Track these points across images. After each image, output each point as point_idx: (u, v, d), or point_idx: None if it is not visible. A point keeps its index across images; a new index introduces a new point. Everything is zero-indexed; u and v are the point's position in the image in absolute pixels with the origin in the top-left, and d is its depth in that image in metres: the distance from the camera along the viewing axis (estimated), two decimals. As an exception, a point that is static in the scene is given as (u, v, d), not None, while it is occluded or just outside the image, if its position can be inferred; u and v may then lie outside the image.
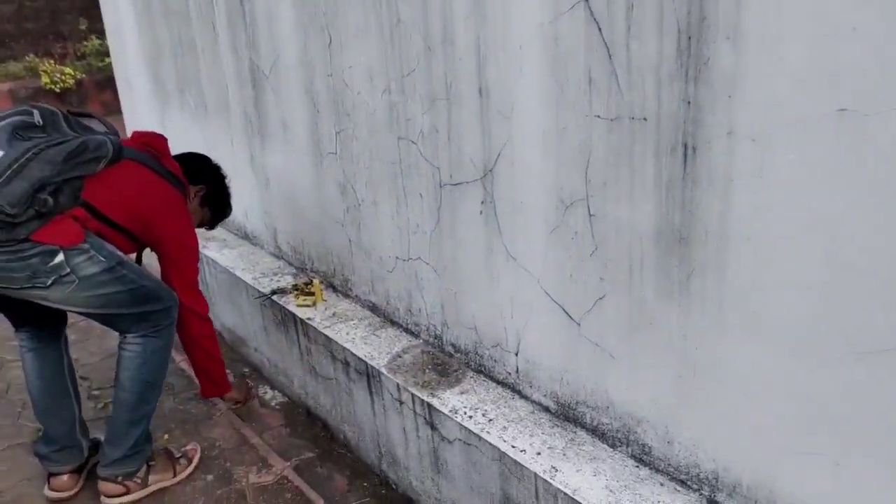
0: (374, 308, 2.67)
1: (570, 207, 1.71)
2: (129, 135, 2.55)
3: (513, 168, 1.84)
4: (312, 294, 2.82)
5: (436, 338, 2.37)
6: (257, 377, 3.23)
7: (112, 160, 2.16)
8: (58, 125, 2.12)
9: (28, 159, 1.95)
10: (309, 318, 2.66)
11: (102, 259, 2.13)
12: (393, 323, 2.57)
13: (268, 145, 3.08)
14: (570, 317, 1.80)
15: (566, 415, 1.92)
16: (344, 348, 2.45)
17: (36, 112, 2.08)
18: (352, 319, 2.64)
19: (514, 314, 2.00)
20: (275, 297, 2.88)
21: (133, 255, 2.39)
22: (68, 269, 2.07)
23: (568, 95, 1.63)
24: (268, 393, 3.11)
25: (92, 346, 3.59)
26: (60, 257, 2.05)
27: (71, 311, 2.23)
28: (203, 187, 2.60)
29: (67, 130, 2.12)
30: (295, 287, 2.93)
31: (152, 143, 2.41)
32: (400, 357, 2.34)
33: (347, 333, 2.53)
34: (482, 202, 1.98)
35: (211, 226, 2.75)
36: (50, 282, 2.06)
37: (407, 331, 2.51)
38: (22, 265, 2.01)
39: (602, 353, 1.75)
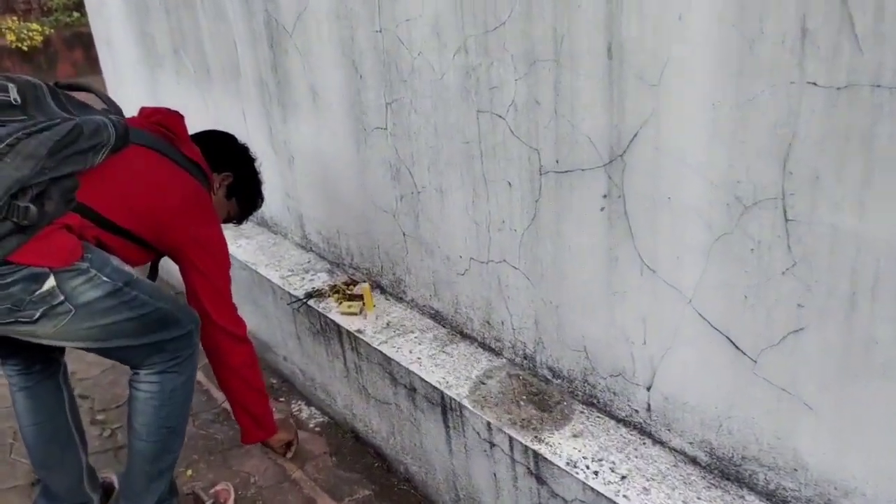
0: (436, 316, 2.24)
1: (750, 209, 1.28)
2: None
3: (657, 153, 1.40)
4: (358, 298, 2.38)
5: (525, 358, 1.94)
6: (288, 390, 2.81)
7: (115, 147, 1.69)
8: (41, 103, 1.63)
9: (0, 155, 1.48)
10: (359, 331, 2.23)
11: (106, 279, 1.69)
12: (464, 336, 2.15)
13: (291, 117, 2.60)
14: (741, 350, 1.38)
15: (725, 471, 1.51)
16: (409, 371, 2.03)
17: (11, 86, 1.59)
18: (411, 331, 2.21)
19: (647, 339, 1.57)
20: (311, 303, 2.44)
21: (141, 268, 1.93)
22: (62, 297, 1.62)
23: (761, 53, 1.18)
24: (303, 411, 2.70)
25: (90, 355, 3.16)
26: (51, 282, 1.60)
27: (66, 346, 1.79)
28: (229, 175, 2.13)
29: (55, 110, 1.63)
30: (334, 289, 2.49)
31: (166, 123, 1.95)
32: (483, 384, 1.92)
33: (411, 351, 2.10)
34: (605, 196, 1.54)
35: (239, 220, 2.29)
36: (38, 314, 1.61)
37: (484, 346, 2.08)
38: None
39: (792, 400, 1.33)
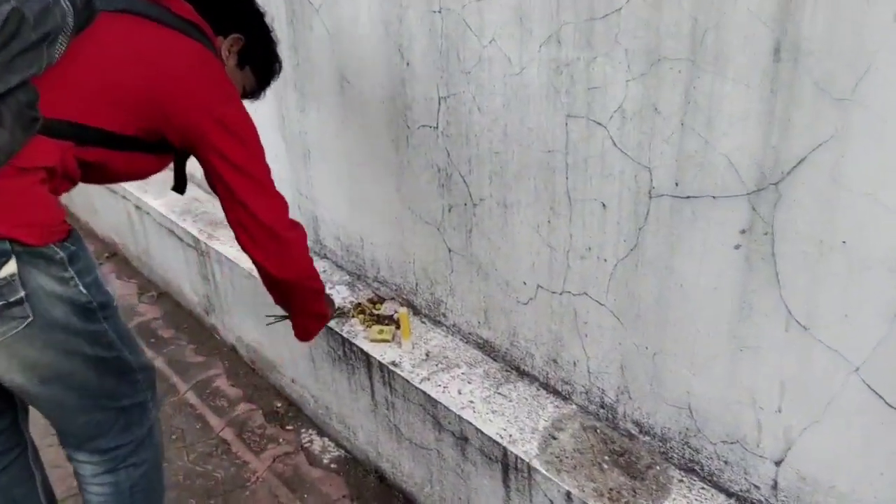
0: (485, 347, 1.94)
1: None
2: None
3: (835, 186, 1.12)
4: (388, 321, 2.08)
5: (603, 407, 1.66)
6: (296, 416, 2.50)
7: (77, 27, 1.27)
8: None
9: None
10: (394, 364, 1.93)
11: (83, 291, 1.35)
12: (521, 374, 1.86)
13: (311, 105, 2.26)
14: (928, 436, 1.11)
15: (882, 573, 1.24)
16: (460, 418, 1.73)
17: None
18: (457, 365, 1.91)
19: (783, 406, 1.30)
20: (332, 323, 2.12)
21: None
22: (21, 293, 1.26)
23: None
24: (315, 442, 2.39)
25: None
26: (11, 266, 1.24)
27: None
28: (239, 37, 1.65)
29: None
30: (358, 308, 2.17)
31: None
32: (554, 438, 1.63)
33: (460, 392, 1.80)
34: (743, 231, 1.25)
35: (255, 94, 1.80)
36: None
37: (547, 388, 1.80)
38: None
39: None
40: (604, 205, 1.49)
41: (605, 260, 1.53)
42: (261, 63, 1.74)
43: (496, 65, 1.60)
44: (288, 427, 2.46)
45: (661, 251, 1.41)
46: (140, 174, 1.54)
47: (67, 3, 1.24)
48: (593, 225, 1.53)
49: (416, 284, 2.12)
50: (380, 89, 1.96)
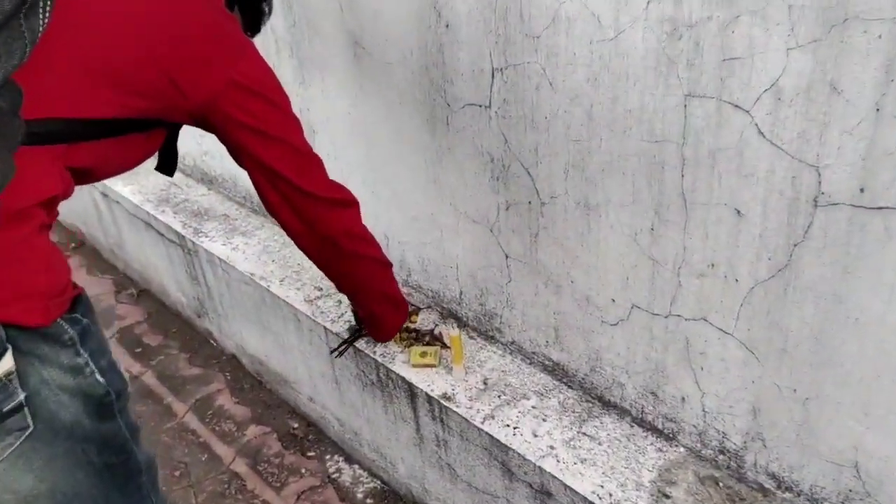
0: (556, 370, 1.62)
1: None
2: None
3: None
4: (428, 337, 1.74)
5: (723, 453, 1.35)
6: (318, 440, 2.18)
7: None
8: None
9: None
10: (446, 397, 1.60)
11: (98, 379, 1.03)
12: (607, 405, 1.54)
13: (315, 77, 1.87)
14: None
15: None
16: (540, 469, 1.42)
17: None
18: (525, 396, 1.58)
19: None
20: (361, 343, 1.78)
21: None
22: (20, 396, 0.94)
23: None
24: (343, 471, 2.08)
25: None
26: (6, 362, 0.92)
27: None
28: None
29: None
30: (393, 323, 1.82)
31: None
32: (666, 497, 1.33)
33: (535, 434, 1.48)
34: (969, 257, 0.91)
35: (252, 33, 1.45)
36: None
37: (643, 425, 1.48)
38: None
39: None
40: (738, 212, 1.14)
41: (737, 280, 1.19)
42: (249, 2, 1.40)
43: (579, 27, 1.22)
44: (310, 454, 2.14)
45: (826, 275, 1.07)
46: (131, 164, 1.22)
47: None
48: (720, 236, 1.18)
49: (461, 293, 1.77)
50: (408, 57, 1.57)
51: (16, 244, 0.94)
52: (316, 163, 1.37)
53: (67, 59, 1.00)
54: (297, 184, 1.31)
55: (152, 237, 2.62)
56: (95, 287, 3.05)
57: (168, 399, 2.38)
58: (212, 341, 2.62)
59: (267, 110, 1.23)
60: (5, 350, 0.91)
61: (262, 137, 1.24)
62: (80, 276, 3.14)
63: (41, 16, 0.84)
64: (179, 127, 1.26)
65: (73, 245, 3.42)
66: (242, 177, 2.42)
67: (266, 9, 1.42)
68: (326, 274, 1.53)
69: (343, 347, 1.78)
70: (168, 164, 1.30)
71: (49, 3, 0.85)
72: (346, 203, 1.43)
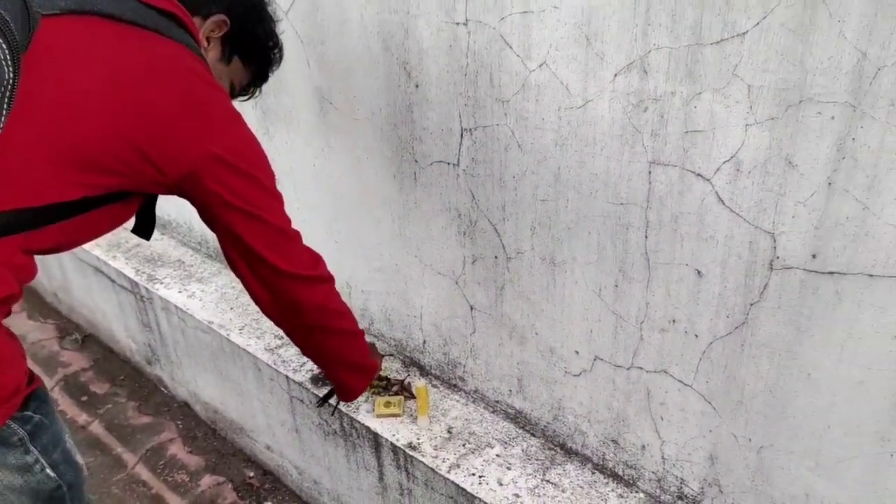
0: (519, 418, 1.65)
1: None
2: None
3: None
4: (394, 387, 1.74)
5: (682, 498, 1.40)
6: (274, 488, 2.13)
7: (17, 49, 0.85)
8: None
9: None
10: (411, 447, 1.60)
11: (50, 474, 1.00)
12: (569, 453, 1.57)
13: (278, 127, 1.88)
14: None
15: None
16: (509, 519, 1.43)
17: None
18: (489, 444, 1.60)
19: (951, 524, 1.05)
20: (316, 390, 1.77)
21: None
22: None
23: None
24: (302, 521, 2.03)
25: None
26: None
27: None
28: (223, 19, 1.24)
29: None
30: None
31: None
32: (630, 543, 1.36)
33: (500, 483, 1.50)
34: (912, 319, 0.99)
35: (248, 92, 1.42)
36: None
37: (604, 471, 1.52)
38: None
39: None
40: (699, 272, 1.20)
41: (697, 336, 1.25)
42: (255, 51, 1.33)
43: (547, 94, 1.27)
44: (266, 503, 2.09)
45: (781, 333, 1.14)
46: (104, 232, 1.15)
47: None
48: (681, 294, 1.24)
49: (424, 342, 1.79)
50: (377, 115, 1.59)
51: None
52: (294, 240, 1.28)
53: (25, 144, 0.92)
54: (272, 262, 1.22)
55: (102, 283, 2.55)
56: (37, 332, 2.94)
57: (117, 449, 2.30)
58: (163, 388, 2.55)
59: (248, 188, 1.15)
60: None
61: (241, 214, 1.16)
62: (20, 321, 3.02)
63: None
64: (154, 197, 1.21)
65: (12, 288, 3.29)
66: (197, 221, 2.39)
67: (275, 56, 1.37)
68: (290, 338, 1.43)
69: (328, 396, 1.74)
70: (145, 227, 1.25)
71: (7, 102, 0.82)
72: (321, 279, 1.33)
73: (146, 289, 2.28)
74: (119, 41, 1.00)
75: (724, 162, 1.10)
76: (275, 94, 1.84)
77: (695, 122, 1.11)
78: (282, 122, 1.86)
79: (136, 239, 2.58)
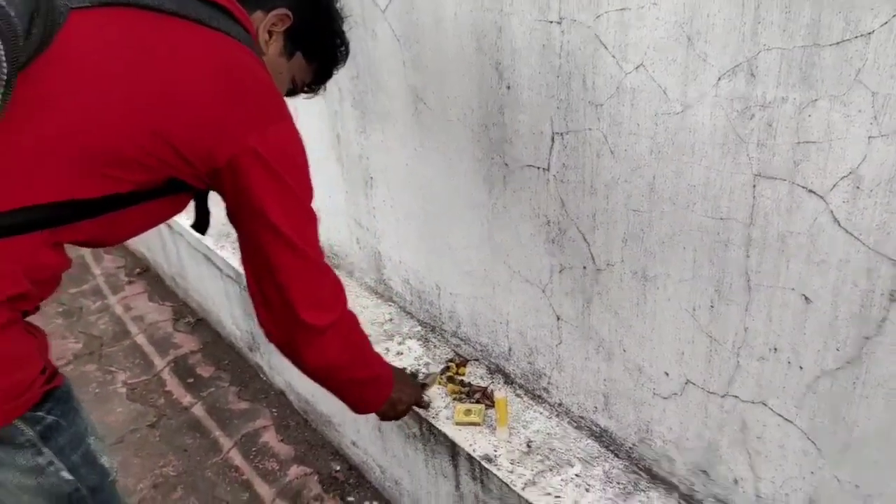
0: (603, 437, 1.54)
1: None
2: None
3: None
4: (478, 395, 1.68)
5: (778, 542, 1.25)
6: (358, 484, 2.12)
7: (30, 53, 0.83)
8: None
9: None
10: (488, 459, 1.53)
11: (66, 476, 0.97)
12: (654, 478, 1.45)
13: (375, 126, 1.85)
14: None
15: None
16: (585, 545, 1.33)
17: None
18: (569, 462, 1.51)
19: None
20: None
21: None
22: None
23: None
24: (383, 517, 2.01)
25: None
26: None
27: None
28: (285, 13, 1.17)
29: None
30: (448, 374, 1.77)
31: None
32: (716, 586, 1.23)
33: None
34: None
35: (315, 87, 1.33)
36: None
37: (689, 501, 1.39)
38: None
39: None
40: (806, 298, 1.06)
41: (801, 368, 1.11)
42: (319, 47, 1.25)
43: (643, 98, 1.16)
44: (350, 498, 2.09)
45: (901, 372, 0.99)
46: (155, 223, 1.12)
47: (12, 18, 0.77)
48: (785, 321, 1.10)
49: (510, 350, 1.71)
50: (469, 116, 1.53)
51: None
52: (326, 279, 1.17)
53: (53, 133, 0.88)
54: (280, 281, 1.10)
55: (211, 271, 2.63)
56: (155, 314, 3.08)
57: (215, 433, 2.35)
58: (262, 375, 2.60)
59: (283, 194, 1.05)
60: None
61: (271, 230, 1.06)
62: (141, 302, 3.17)
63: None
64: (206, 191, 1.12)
65: (137, 271, 3.46)
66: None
67: (340, 53, 1.30)
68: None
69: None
70: (201, 223, 1.19)
71: (8, 89, 0.78)
72: (334, 327, 1.20)
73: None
74: (153, 31, 0.95)
75: (842, 178, 0.96)
76: (373, 94, 1.81)
77: (808, 132, 0.98)
78: (378, 121, 1.83)
79: (243, 230, 2.64)
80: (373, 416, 1.85)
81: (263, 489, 2.12)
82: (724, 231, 1.13)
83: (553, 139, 1.36)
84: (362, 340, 1.34)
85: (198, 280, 2.85)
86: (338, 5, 1.27)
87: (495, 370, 1.79)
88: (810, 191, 1.00)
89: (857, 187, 0.95)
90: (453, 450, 1.62)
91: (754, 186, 1.07)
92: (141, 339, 2.88)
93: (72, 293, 3.23)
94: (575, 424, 1.61)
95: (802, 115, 0.97)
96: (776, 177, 1.03)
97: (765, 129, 1.02)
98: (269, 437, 2.32)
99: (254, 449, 2.27)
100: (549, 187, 1.41)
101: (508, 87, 1.41)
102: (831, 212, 0.99)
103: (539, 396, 1.69)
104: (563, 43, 1.26)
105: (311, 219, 1.15)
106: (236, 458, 2.24)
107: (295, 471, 2.18)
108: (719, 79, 1.05)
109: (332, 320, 1.20)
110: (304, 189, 1.11)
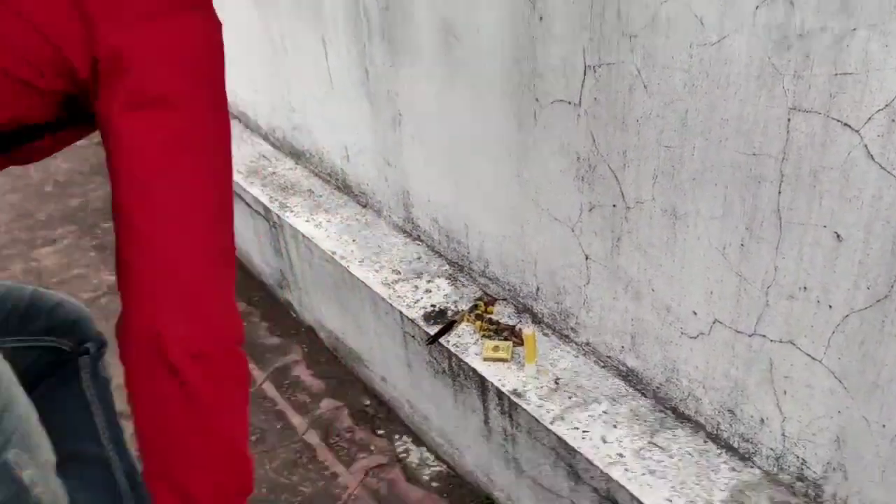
0: (630, 377, 1.57)
1: None
2: None
3: None
4: (505, 333, 1.72)
5: (802, 480, 1.29)
6: (387, 418, 2.20)
7: None
8: None
9: None
10: (516, 394, 1.58)
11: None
12: (680, 417, 1.49)
13: (405, 61, 1.85)
14: None
15: None
16: (607, 476, 1.38)
17: None
18: (597, 400, 1.55)
19: None
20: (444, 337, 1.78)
21: None
22: None
23: None
24: (412, 452, 2.09)
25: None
26: None
27: None
28: None
29: None
30: (476, 312, 1.81)
31: None
32: (737, 520, 1.27)
33: (604, 440, 1.45)
34: None
35: None
36: None
37: (717, 441, 1.43)
38: None
39: None
40: (838, 235, 1.07)
41: (831, 307, 1.12)
42: None
43: (679, 29, 1.16)
44: (379, 432, 2.16)
45: (932, 311, 0.99)
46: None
47: None
48: (816, 259, 1.11)
49: (538, 289, 1.74)
50: (500, 49, 1.53)
51: None
52: (213, 295, 0.85)
53: None
54: (163, 332, 0.80)
55: (240, 207, 2.68)
56: (187, 250, 3.16)
57: (249, 365, 2.44)
58: (292, 312, 2.68)
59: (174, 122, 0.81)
60: None
61: (140, 187, 0.81)
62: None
63: None
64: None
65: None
66: (327, 152, 2.45)
67: None
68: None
69: (439, 335, 1.75)
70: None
71: None
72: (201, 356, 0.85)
73: (277, 216, 2.38)
74: None
75: (878, 111, 0.96)
76: (402, 25, 1.81)
77: (845, 63, 0.97)
78: (407, 54, 1.83)
79: (272, 166, 2.68)
80: (403, 354, 1.91)
81: (297, 419, 2.21)
82: (757, 167, 1.14)
83: (585, 73, 1.36)
84: None
85: (229, 218, 2.92)
86: None
87: (523, 310, 1.83)
88: (845, 124, 1.00)
89: (893, 121, 0.94)
90: (482, 385, 1.67)
91: (789, 120, 1.06)
92: (174, 276, 2.96)
93: (105, 227, 3.33)
94: (602, 364, 1.65)
95: (840, 45, 0.96)
96: (811, 110, 1.03)
97: (802, 60, 1.01)
98: (301, 372, 2.41)
99: (286, 382, 2.36)
100: (579, 123, 1.42)
101: (541, 18, 1.40)
102: (865, 146, 0.99)
103: (566, 336, 1.72)
104: (596, -29, 1.25)
105: (226, 184, 0.94)
106: (269, 390, 2.33)
107: (326, 404, 2.27)
108: (757, 7, 1.04)
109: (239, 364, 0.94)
110: (216, 127, 0.91)
